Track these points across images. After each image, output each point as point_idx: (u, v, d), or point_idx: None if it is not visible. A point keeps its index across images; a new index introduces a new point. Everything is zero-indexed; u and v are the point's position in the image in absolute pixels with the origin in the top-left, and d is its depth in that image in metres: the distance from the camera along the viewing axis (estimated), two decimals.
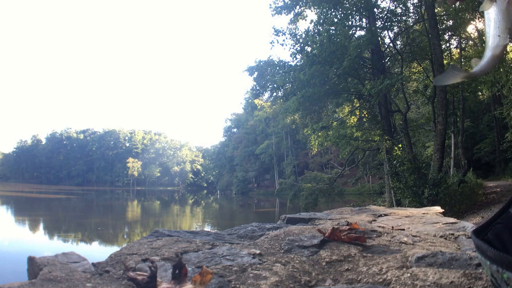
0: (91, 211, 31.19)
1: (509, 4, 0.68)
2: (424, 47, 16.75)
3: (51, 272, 0.96)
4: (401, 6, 17.73)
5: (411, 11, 18.12)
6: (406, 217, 2.71)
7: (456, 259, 1.24)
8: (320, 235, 1.60)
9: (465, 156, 23.19)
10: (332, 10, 16.50)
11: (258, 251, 1.36)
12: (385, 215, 2.86)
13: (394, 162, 13.58)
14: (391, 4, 17.50)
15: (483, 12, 0.74)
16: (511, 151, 22.63)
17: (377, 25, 17.00)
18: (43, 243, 13.61)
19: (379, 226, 2.14)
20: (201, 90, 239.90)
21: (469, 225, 2.17)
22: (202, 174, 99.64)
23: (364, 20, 17.67)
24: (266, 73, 18.72)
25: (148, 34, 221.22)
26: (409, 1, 17.66)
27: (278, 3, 17.38)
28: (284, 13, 17.52)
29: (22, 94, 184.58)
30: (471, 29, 20.37)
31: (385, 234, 1.81)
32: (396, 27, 18.29)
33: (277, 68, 18.37)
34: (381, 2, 25.52)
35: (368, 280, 1.13)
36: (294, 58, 17.54)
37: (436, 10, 15.25)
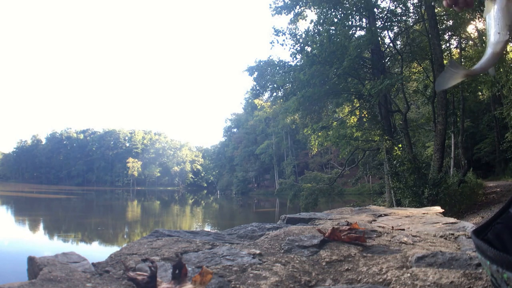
0: (91, 211, 31.19)
1: (509, 2, 0.69)
2: (424, 47, 16.75)
3: (51, 272, 0.96)
4: (401, 6, 17.73)
5: (411, 11, 18.13)
6: (406, 217, 2.71)
7: (456, 259, 1.24)
8: (320, 235, 1.60)
9: (465, 156, 23.19)
10: (332, 10, 16.50)
11: (258, 251, 1.36)
12: (385, 215, 2.86)
13: (394, 162, 13.58)
14: (391, 4, 17.51)
15: (483, 11, 0.74)
16: (511, 151, 22.62)
17: (377, 25, 17.00)
18: (43, 243, 13.61)
19: (379, 226, 2.14)
20: (201, 90, 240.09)
21: (469, 225, 2.17)
22: (202, 174, 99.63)
23: (364, 20, 17.67)
24: (266, 73, 18.71)
25: (148, 34, 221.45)
26: (409, 1, 17.66)
27: (278, 3, 17.39)
28: (284, 13, 17.52)
29: (22, 94, 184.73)
30: (471, 29, 20.38)
31: (385, 234, 1.81)
32: (396, 27, 18.29)
33: (277, 68, 18.37)
34: (381, 2, 25.52)
35: (368, 280, 1.13)
36: (294, 58, 17.56)
37: (436, 10, 15.25)
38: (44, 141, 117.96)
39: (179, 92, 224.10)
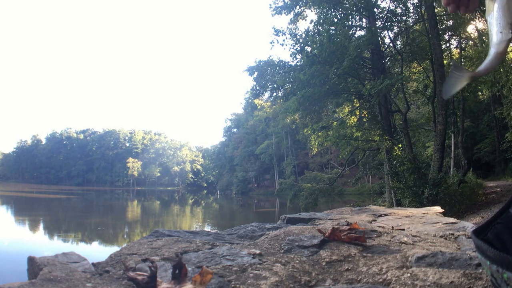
0: (91, 211, 31.19)
1: (509, 0, 0.69)
2: (424, 47, 16.75)
3: (51, 272, 0.96)
4: (401, 6, 17.73)
5: (411, 11, 18.13)
6: (406, 217, 2.71)
7: (456, 259, 1.24)
8: (320, 235, 1.60)
9: (465, 156, 23.18)
10: (332, 10, 16.49)
11: (258, 251, 1.36)
12: (385, 215, 2.86)
13: (394, 162, 13.58)
14: (391, 4, 17.51)
15: (483, 11, 0.74)
16: (511, 151, 22.61)
17: (377, 25, 16.99)
18: (43, 243, 13.61)
19: (379, 226, 2.14)
20: (201, 90, 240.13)
21: (469, 225, 2.17)
22: (202, 174, 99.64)
23: (364, 20, 17.67)
24: (266, 73, 18.71)
25: (148, 34, 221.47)
26: (409, 1, 17.66)
27: (278, 3, 17.39)
28: (284, 13, 17.52)
29: (22, 94, 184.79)
30: (471, 29, 20.40)
31: (385, 234, 1.81)
32: (396, 27, 18.29)
33: (277, 68, 18.37)
34: (381, 2, 25.53)
35: (368, 280, 1.14)
36: (294, 58, 17.56)
37: (436, 10, 15.25)
38: (44, 141, 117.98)
39: (179, 92, 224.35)
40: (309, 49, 15.94)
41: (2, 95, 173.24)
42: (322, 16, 16.54)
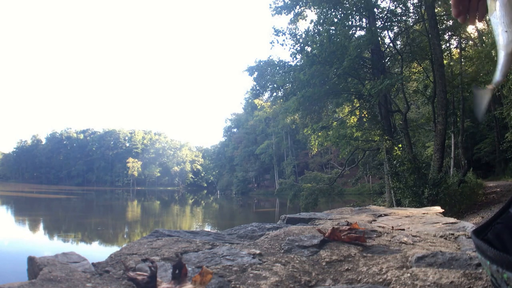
0: (91, 211, 31.19)
1: None
2: (424, 47, 16.75)
3: (51, 272, 0.96)
4: (401, 6, 17.72)
5: (411, 11, 18.13)
6: (406, 217, 2.71)
7: (456, 259, 1.24)
8: (320, 235, 1.60)
9: (465, 156, 23.18)
10: (332, 10, 16.49)
11: (258, 251, 1.36)
12: (385, 215, 2.86)
13: (394, 162, 13.58)
14: (391, 4, 17.51)
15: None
16: (511, 151, 22.61)
17: (377, 25, 16.99)
18: (43, 243, 13.61)
19: (379, 226, 2.14)
20: (201, 90, 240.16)
21: (469, 225, 2.17)
22: (202, 174, 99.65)
23: (364, 20, 17.67)
24: (266, 73, 18.71)
25: (148, 34, 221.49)
26: (409, 1, 17.66)
27: (278, 3, 17.39)
28: (284, 13, 17.52)
29: (22, 94, 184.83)
30: (471, 29, 20.41)
31: (385, 234, 1.81)
32: (396, 27, 18.29)
33: (277, 68, 18.37)
34: (381, 2, 25.53)
35: (368, 280, 1.13)
36: (294, 58, 17.56)
37: (436, 10, 15.25)
38: (44, 141, 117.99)
39: (179, 92, 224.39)
40: (309, 49, 15.94)
41: (2, 95, 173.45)
42: (322, 16, 16.54)
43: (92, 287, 0.93)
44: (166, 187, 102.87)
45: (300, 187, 21.04)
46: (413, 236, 1.76)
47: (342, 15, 16.27)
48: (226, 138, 79.55)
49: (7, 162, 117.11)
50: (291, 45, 16.88)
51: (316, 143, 18.94)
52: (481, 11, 0.80)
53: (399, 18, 17.94)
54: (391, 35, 18.32)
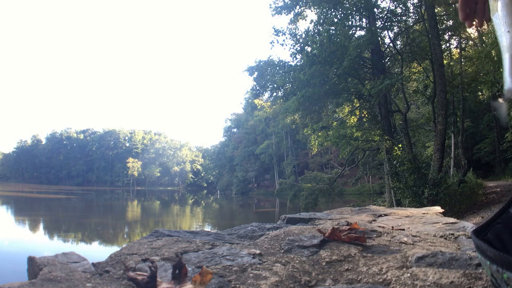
0: (91, 211, 31.20)
1: None
2: (424, 47, 16.75)
3: (51, 272, 0.96)
4: (401, 6, 17.72)
5: (411, 11, 18.13)
6: (406, 217, 2.71)
7: (456, 259, 1.24)
8: (320, 235, 1.60)
9: (465, 156, 23.18)
10: (332, 10, 16.49)
11: (258, 251, 1.36)
12: (385, 215, 2.86)
13: (394, 162, 13.58)
14: (391, 4, 17.50)
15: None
16: (511, 151, 22.62)
17: (377, 25, 16.99)
18: (43, 243, 13.61)
19: (379, 226, 2.14)
20: (201, 90, 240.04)
21: (469, 225, 2.17)
22: (202, 174, 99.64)
23: (364, 20, 17.67)
24: (266, 73, 18.70)
25: (148, 34, 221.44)
26: (409, 1, 17.66)
27: (278, 3, 17.38)
28: (284, 13, 17.51)
29: (22, 94, 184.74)
30: (471, 29, 20.38)
31: (385, 234, 1.81)
32: (396, 27, 18.29)
33: (277, 68, 18.36)
34: (381, 2, 25.55)
35: (368, 280, 1.14)
36: (294, 58, 17.55)
37: (436, 10, 15.25)
38: (44, 141, 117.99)
39: (179, 92, 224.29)
40: (309, 49, 15.93)
41: (2, 95, 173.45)
42: (322, 16, 16.53)
43: (92, 287, 0.93)
44: (166, 187, 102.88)
45: (300, 187, 21.04)
46: (413, 236, 1.76)
47: (342, 15, 16.27)
48: (226, 138, 79.56)
49: (7, 162, 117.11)
50: (291, 45, 16.89)
51: (316, 143, 18.93)
52: (488, 13, 0.79)
53: (399, 18, 17.94)
54: (391, 35, 18.34)
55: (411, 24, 18.13)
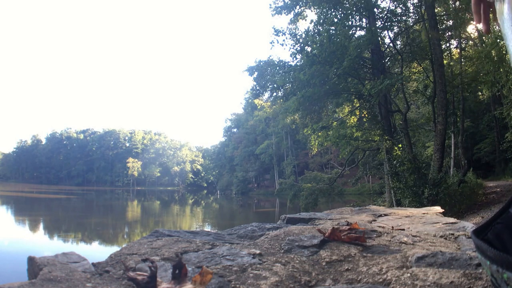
0: (91, 211, 31.19)
1: None
2: (424, 47, 16.75)
3: (51, 272, 0.96)
4: (401, 6, 17.73)
5: (411, 11, 18.13)
6: (406, 217, 2.71)
7: (456, 259, 1.24)
8: (320, 235, 1.60)
9: (465, 156, 23.17)
10: (332, 10, 16.49)
11: (258, 251, 1.36)
12: (385, 215, 2.86)
13: (394, 162, 13.58)
14: (391, 4, 17.50)
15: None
16: (511, 151, 22.61)
17: (377, 25, 16.99)
18: (43, 243, 13.61)
19: (379, 226, 2.14)
20: (201, 90, 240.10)
21: (469, 225, 2.17)
22: (202, 174, 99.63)
23: (364, 20, 17.66)
24: (266, 73, 18.70)
25: (148, 34, 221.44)
26: (409, 1, 17.67)
27: (278, 3, 17.38)
28: (284, 13, 17.51)
29: (22, 94, 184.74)
30: (471, 29, 20.38)
31: (385, 234, 1.81)
32: (396, 27, 18.29)
33: (277, 68, 18.36)
34: (381, 2, 25.54)
35: (368, 280, 1.13)
36: (294, 58, 17.55)
37: (436, 10, 15.24)
38: (44, 141, 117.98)
39: (179, 92, 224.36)
40: (309, 49, 15.93)
41: (2, 95, 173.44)
42: (322, 16, 16.53)
43: (92, 287, 0.93)
44: (166, 187, 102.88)
45: (300, 187, 21.03)
46: (413, 236, 1.76)
47: (342, 15, 16.26)
48: (226, 138, 79.54)
49: (7, 162, 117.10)
50: (291, 45, 16.88)
51: (316, 143, 18.93)
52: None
53: (399, 18, 17.94)
54: (391, 35, 18.33)
55: (411, 24, 18.13)
